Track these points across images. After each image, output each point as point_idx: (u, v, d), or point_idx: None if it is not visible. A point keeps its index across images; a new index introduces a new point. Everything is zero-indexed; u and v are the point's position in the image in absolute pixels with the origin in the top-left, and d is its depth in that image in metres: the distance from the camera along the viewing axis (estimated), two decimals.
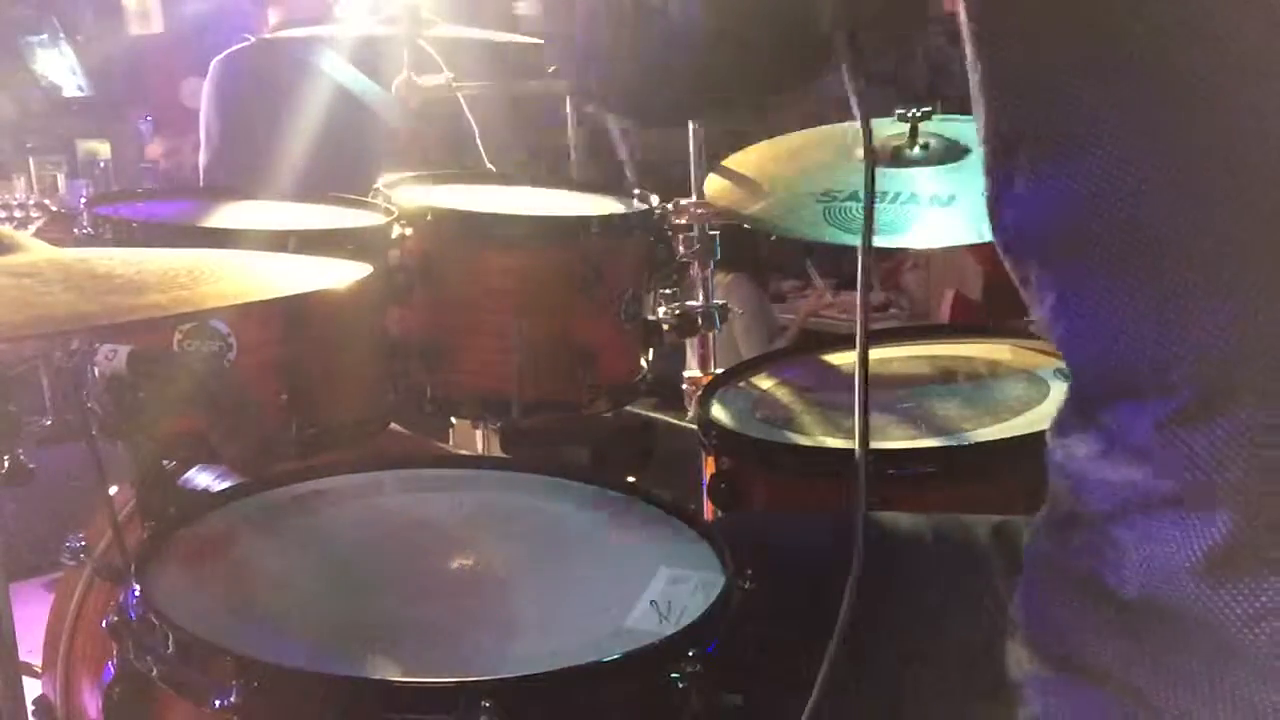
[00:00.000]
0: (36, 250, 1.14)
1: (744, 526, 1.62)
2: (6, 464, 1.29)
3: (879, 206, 1.93)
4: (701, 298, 2.12)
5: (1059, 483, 0.89)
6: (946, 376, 1.88)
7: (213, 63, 3.37)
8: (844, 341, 2.14)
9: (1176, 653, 0.80)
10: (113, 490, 1.52)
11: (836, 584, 1.31)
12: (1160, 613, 0.80)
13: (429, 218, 1.84)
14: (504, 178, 2.34)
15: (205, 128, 3.38)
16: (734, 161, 2.14)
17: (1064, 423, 0.88)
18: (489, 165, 2.61)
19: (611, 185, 2.26)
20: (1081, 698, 0.87)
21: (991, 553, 1.26)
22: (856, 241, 1.95)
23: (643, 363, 2.00)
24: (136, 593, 1.17)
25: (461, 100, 2.52)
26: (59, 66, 5.40)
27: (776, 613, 1.26)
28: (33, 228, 2.26)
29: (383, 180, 1.98)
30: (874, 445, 1.67)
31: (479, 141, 2.60)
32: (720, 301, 2.16)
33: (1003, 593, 1.03)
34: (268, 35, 3.42)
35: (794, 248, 5.08)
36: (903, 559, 1.32)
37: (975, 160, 1.86)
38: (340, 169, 2.74)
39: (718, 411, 1.81)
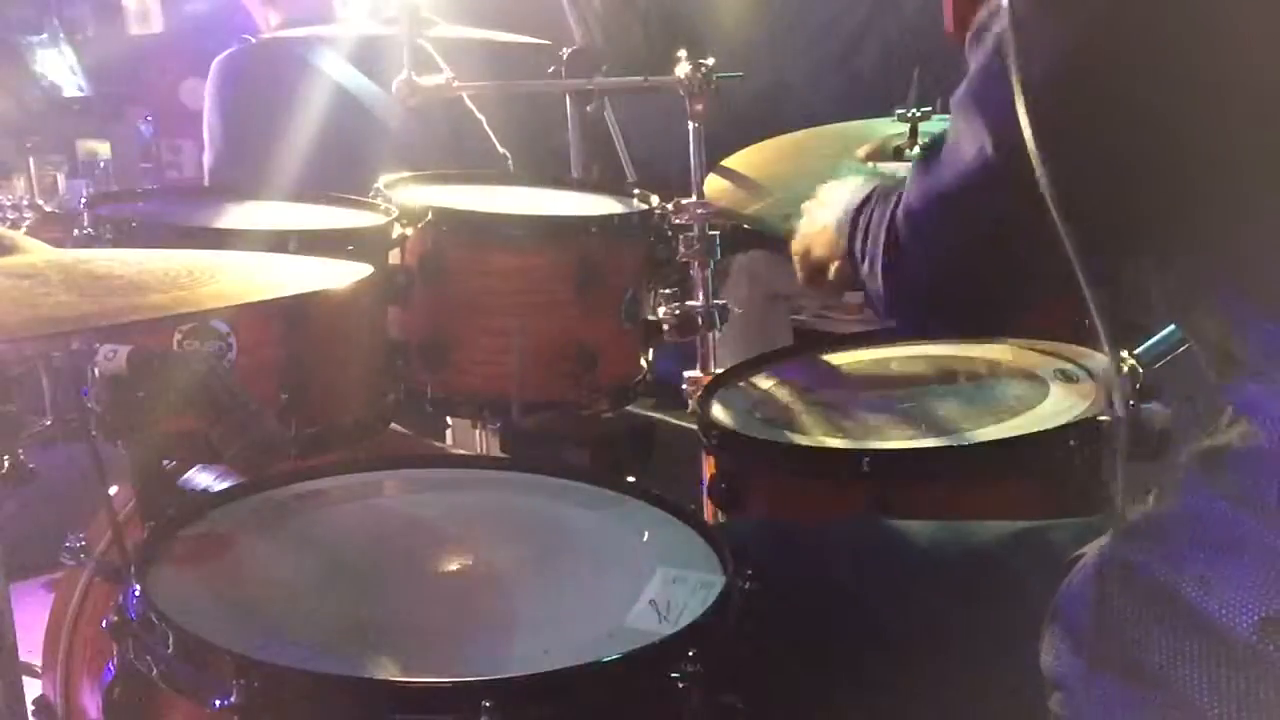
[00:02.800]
0: (37, 251, 1.14)
1: (747, 530, 1.62)
2: (6, 464, 1.28)
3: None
4: (701, 298, 2.12)
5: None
6: (946, 376, 1.88)
7: (213, 64, 3.36)
8: (844, 341, 2.14)
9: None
10: (113, 490, 1.52)
11: (837, 587, 1.32)
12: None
13: (429, 218, 1.84)
14: (504, 178, 2.35)
15: (208, 129, 3.38)
16: (734, 161, 2.14)
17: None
18: (502, 150, 2.60)
19: (611, 185, 2.26)
20: (1129, 698, 0.89)
21: (1012, 558, 1.28)
22: None
23: (643, 363, 2.01)
24: (136, 593, 1.17)
25: (465, 97, 2.51)
26: (59, 66, 5.39)
27: (778, 616, 1.26)
28: (23, 227, 2.26)
29: (383, 180, 1.98)
30: (873, 445, 1.68)
31: (488, 128, 2.59)
32: (721, 301, 2.16)
33: (1030, 595, 1.05)
34: (267, 36, 3.42)
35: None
36: (922, 565, 1.33)
37: None
38: (339, 169, 2.74)
39: (718, 411, 1.81)
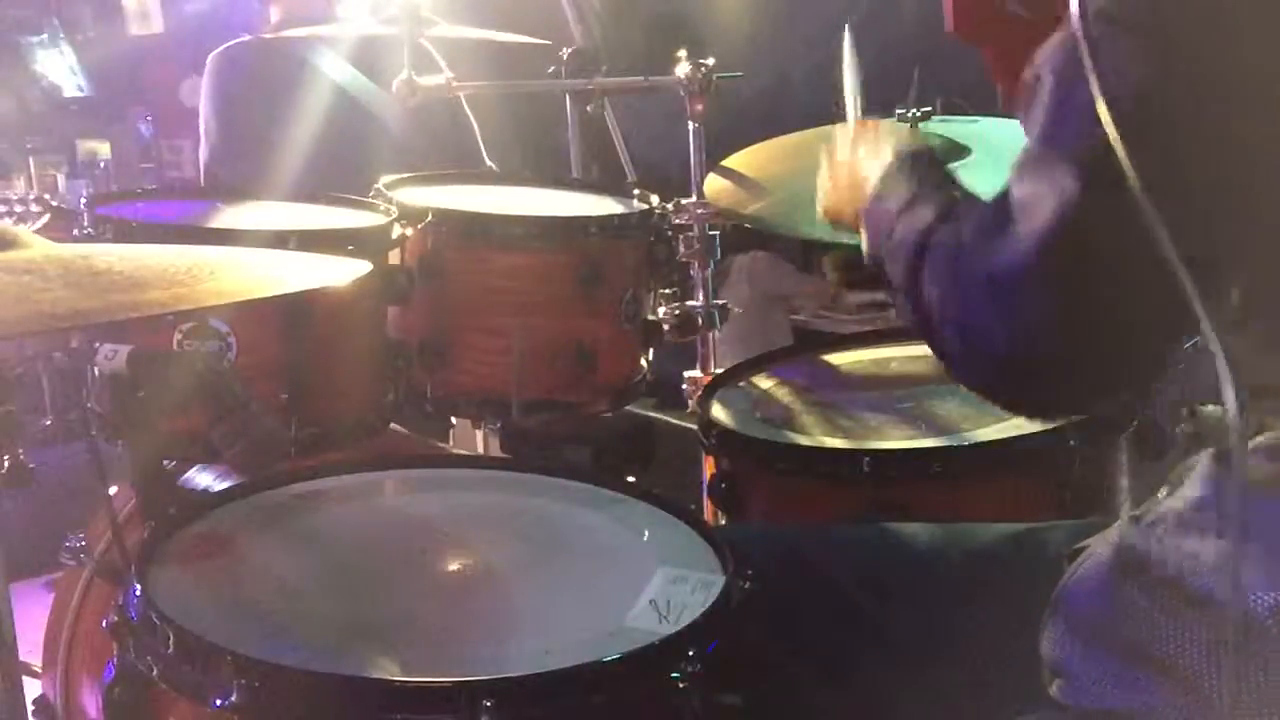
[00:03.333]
0: (36, 247, 1.14)
1: (747, 533, 1.62)
2: (6, 464, 1.28)
3: None
4: (701, 298, 2.12)
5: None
6: (946, 376, 1.88)
7: (210, 56, 3.36)
8: (844, 341, 2.14)
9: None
10: (113, 490, 1.52)
11: (837, 588, 1.32)
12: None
13: (429, 218, 1.84)
14: (504, 178, 2.35)
15: (204, 123, 3.38)
16: (734, 161, 2.14)
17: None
18: (489, 163, 2.61)
19: (611, 185, 2.26)
20: (1135, 683, 0.90)
21: (1012, 559, 1.28)
22: (855, 242, 1.95)
23: (643, 363, 2.00)
24: (136, 593, 1.17)
25: (462, 99, 2.51)
26: (59, 66, 5.39)
27: (778, 616, 1.26)
28: (35, 224, 2.26)
29: (383, 180, 1.98)
30: (873, 445, 1.68)
31: (479, 138, 2.60)
32: (721, 301, 2.16)
33: (1030, 596, 1.05)
34: (267, 34, 3.42)
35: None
36: (922, 566, 1.33)
37: (976, 161, 1.85)
38: (338, 169, 2.74)
39: (718, 411, 1.81)
